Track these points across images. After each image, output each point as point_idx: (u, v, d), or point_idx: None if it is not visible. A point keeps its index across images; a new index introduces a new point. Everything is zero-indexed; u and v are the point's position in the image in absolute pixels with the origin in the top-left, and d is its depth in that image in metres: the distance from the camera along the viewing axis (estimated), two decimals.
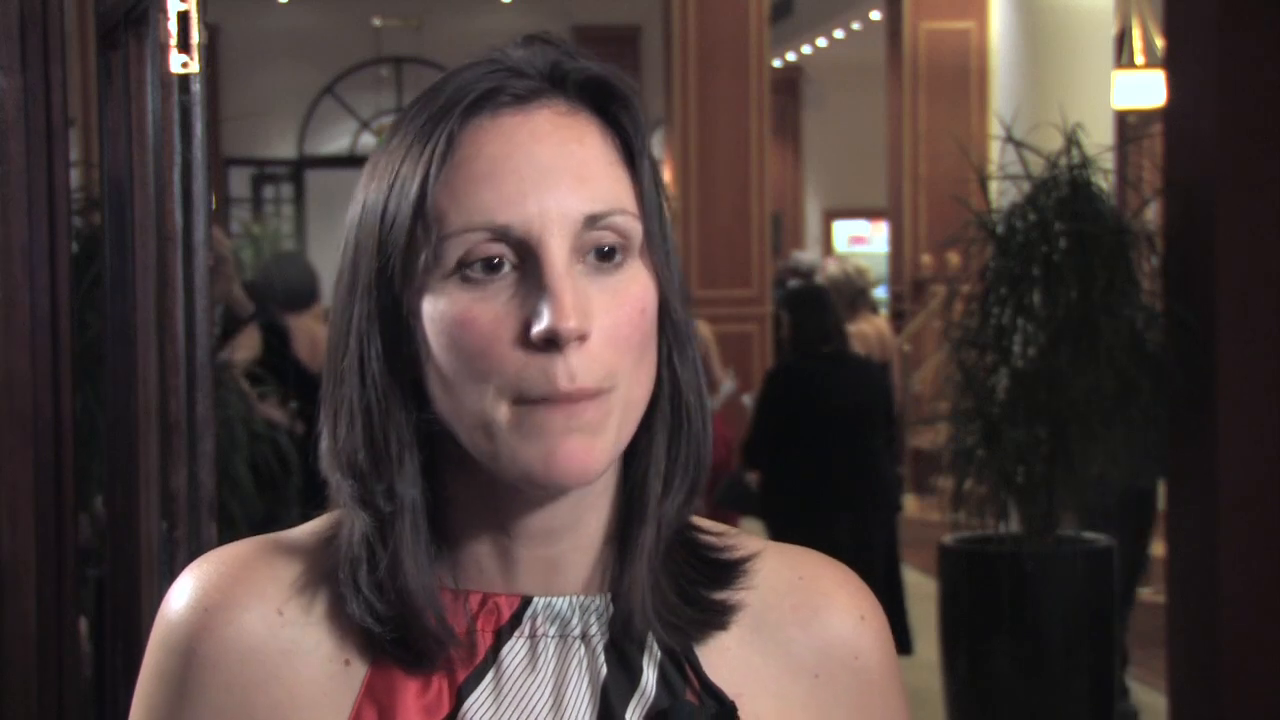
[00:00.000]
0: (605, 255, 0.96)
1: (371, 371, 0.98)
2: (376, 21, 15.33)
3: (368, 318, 0.98)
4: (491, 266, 0.95)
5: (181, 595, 1.02)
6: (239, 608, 1.01)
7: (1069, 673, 4.71)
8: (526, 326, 0.94)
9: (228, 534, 1.17)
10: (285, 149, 16.00)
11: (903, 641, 5.58)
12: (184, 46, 1.86)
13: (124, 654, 2.19)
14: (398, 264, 0.96)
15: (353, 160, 15.85)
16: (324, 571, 1.02)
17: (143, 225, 2.08)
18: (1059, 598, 4.74)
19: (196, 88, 1.87)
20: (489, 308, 0.95)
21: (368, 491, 0.98)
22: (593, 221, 0.96)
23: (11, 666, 2.20)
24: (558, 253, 0.94)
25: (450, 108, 0.97)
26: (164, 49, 1.87)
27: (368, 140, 15.74)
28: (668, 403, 1.01)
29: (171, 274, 1.89)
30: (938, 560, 5.10)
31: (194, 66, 1.87)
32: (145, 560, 2.09)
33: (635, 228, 0.98)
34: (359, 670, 1.00)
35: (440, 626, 0.98)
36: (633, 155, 0.99)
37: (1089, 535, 4.98)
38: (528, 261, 0.95)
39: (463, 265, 0.95)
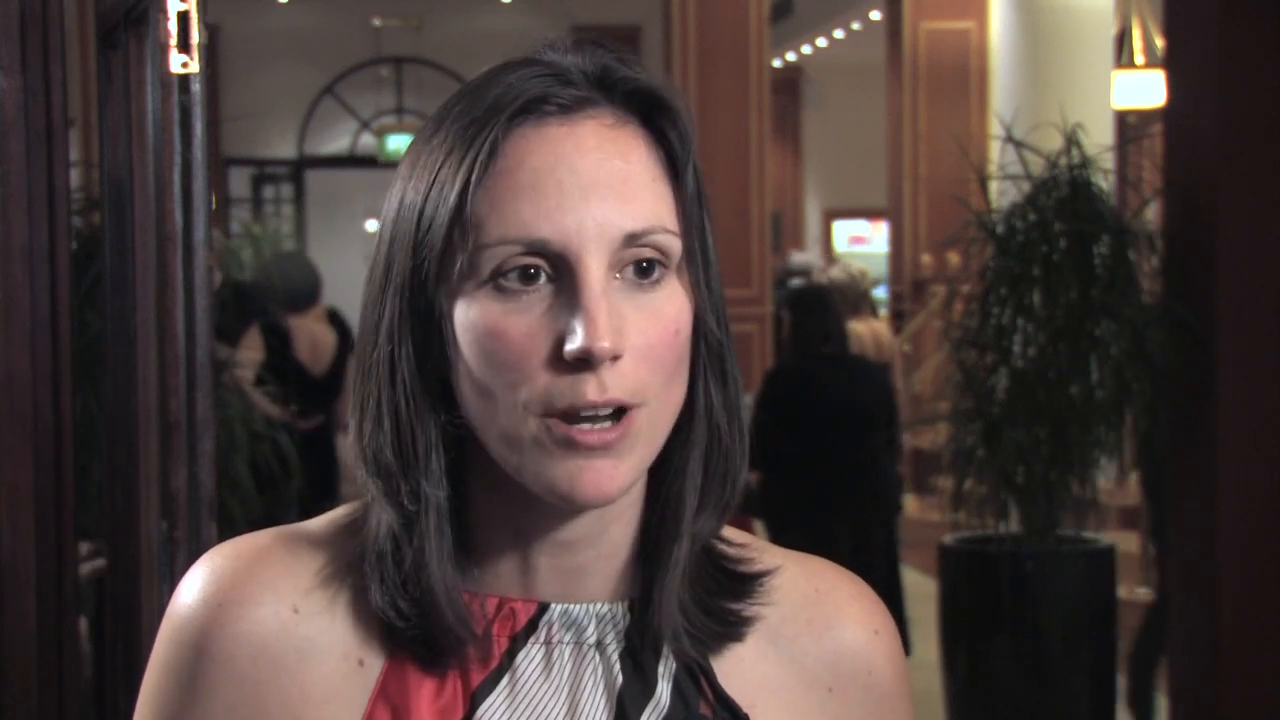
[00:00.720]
0: (643, 272, 0.95)
1: (401, 372, 0.97)
2: (376, 21, 15.32)
3: (399, 317, 0.97)
4: (527, 278, 0.94)
5: (193, 589, 1.01)
6: (252, 603, 0.99)
7: (1069, 673, 4.70)
8: (559, 343, 0.92)
9: (228, 534, 1.16)
10: (285, 149, 15.98)
11: (902, 642, 5.57)
12: (184, 46, 1.86)
13: (124, 654, 2.20)
14: (433, 267, 0.95)
15: (353, 160, 15.83)
16: (341, 566, 1.01)
17: (143, 225, 2.08)
18: (1059, 598, 4.74)
19: (196, 88, 1.87)
20: (522, 320, 0.94)
21: (393, 489, 0.97)
22: (632, 239, 0.94)
23: (11, 666, 2.20)
24: (595, 269, 0.93)
25: (495, 113, 0.95)
26: (164, 49, 1.87)
27: (368, 140, 15.73)
28: (702, 421, 1.00)
29: (171, 274, 1.89)
30: (938, 560, 5.10)
31: (194, 66, 1.87)
32: (145, 560, 2.09)
33: (675, 245, 0.96)
34: (373, 670, 0.99)
35: (460, 624, 0.97)
36: (677, 170, 0.98)
37: (1089, 535, 4.98)
38: (564, 276, 0.94)
39: (498, 275, 0.94)
